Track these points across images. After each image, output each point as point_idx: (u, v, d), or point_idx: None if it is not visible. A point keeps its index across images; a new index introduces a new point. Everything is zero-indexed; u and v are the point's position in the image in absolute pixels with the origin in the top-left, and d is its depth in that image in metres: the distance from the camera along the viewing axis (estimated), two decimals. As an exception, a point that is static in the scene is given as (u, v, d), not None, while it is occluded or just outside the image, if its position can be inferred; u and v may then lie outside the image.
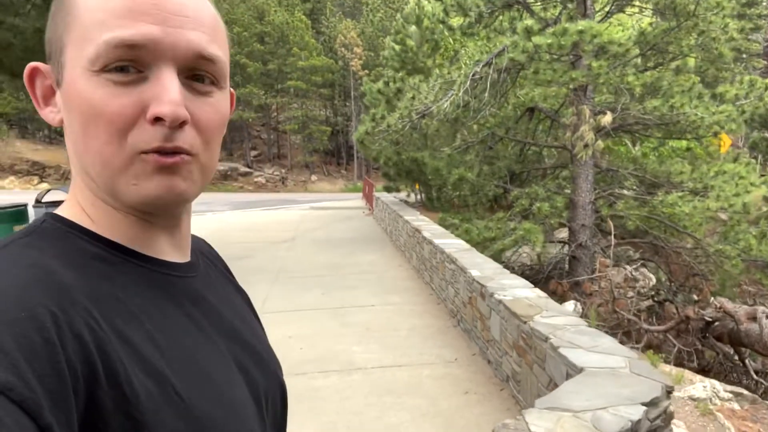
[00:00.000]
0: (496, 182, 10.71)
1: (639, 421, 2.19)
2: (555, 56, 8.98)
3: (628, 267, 11.80)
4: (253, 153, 40.69)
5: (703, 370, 9.36)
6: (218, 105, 0.58)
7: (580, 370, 2.67)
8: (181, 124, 0.53)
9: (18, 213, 7.99)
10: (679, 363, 8.98)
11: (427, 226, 7.98)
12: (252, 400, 0.62)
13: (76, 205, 0.58)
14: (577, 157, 9.79)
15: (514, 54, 9.09)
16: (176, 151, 0.54)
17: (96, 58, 0.51)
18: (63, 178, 35.12)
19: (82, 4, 0.53)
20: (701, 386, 4.85)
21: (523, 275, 13.24)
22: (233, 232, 12.91)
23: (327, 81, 39.00)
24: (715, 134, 10.80)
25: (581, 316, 8.18)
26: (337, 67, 39.34)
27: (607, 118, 9.31)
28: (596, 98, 10.72)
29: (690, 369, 9.17)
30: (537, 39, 8.19)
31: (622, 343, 10.26)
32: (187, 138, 0.54)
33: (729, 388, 5.45)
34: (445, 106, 9.90)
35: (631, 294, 11.90)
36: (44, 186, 34.30)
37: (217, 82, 0.58)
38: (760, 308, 8.42)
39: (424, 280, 7.48)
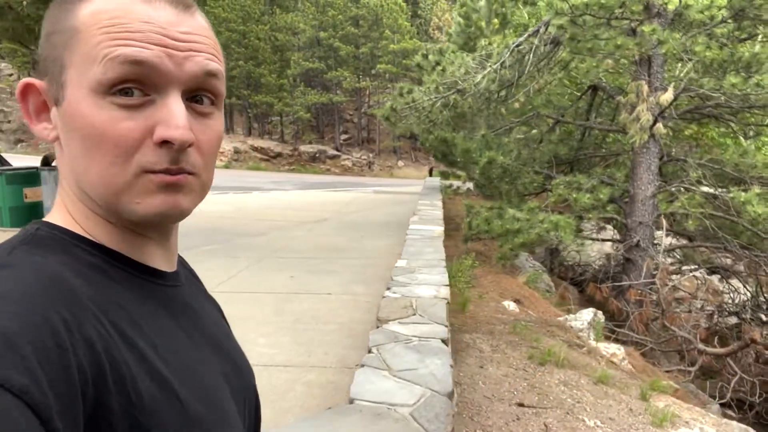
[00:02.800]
0: (538, 169, 9.48)
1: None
2: (602, 18, 7.63)
3: (699, 275, 10.06)
4: (344, 137, 41.01)
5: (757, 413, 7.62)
6: (217, 125, 0.59)
7: (350, 401, 1.87)
8: (187, 146, 0.54)
9: (30, 175, 8.23)
10: (721, 398, 7.38)
11: (430, 212, 7.11)
12: (235, 407, 0.64)
13: (67, 216, 0.58)
14: (630, 142, 8.35)
15: (552, 18, 7.88)
16: (181, 172, 0.55)
17: (102, 78, 0.51)
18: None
19: (88, 27, 0.53)
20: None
21: (561, 276, 11.86)
22: (271, 210, 12.75)
23: (418, 65, 38.17)
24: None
25: (605, 332, 6.74)
26: (430, 51, 38.35)
27: (666, 96, 7.81)
28: (668, 74, 9.10)
29: (738, 407, 7.51)
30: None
31: (660, 364, 8.73)
32: (190, 159, 0.55)
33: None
34: (478, 80, 8.87)
35: (698, 306, 10.13)
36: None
37: (216, 101, 0.59)
38: None
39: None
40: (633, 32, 8.13)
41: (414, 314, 2.87)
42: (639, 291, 8.27)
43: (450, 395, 1.99)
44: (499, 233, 7.99)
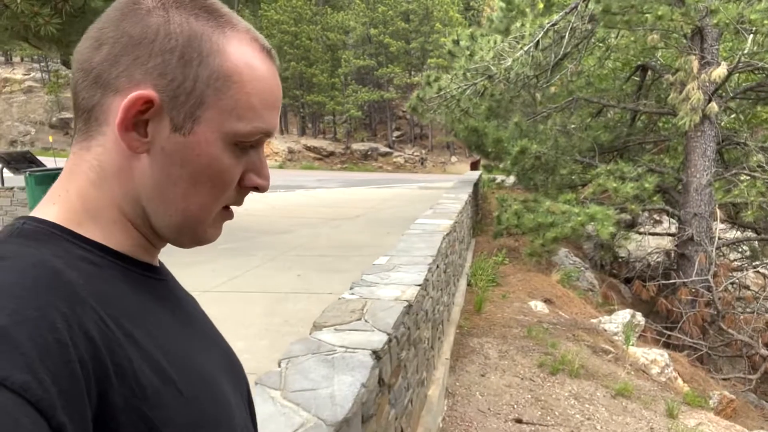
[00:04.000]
0: (579, 158, 8.76)
1: None
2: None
3: (764, 271, 9.00)
4: (396, 133, 40.69)
5: None
6: None
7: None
8: None
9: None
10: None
11: (449, 205, 6.63)
12: (233, 398, 0.64)
13: (59, 212, 0.57)
14: (680, 124, 7.53)
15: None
16: None
17: (242, 137, 0.57)
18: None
19: (241, 80, 0.57)
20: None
21: (613, 273, 10.94)
22: (305, 208, 12.59)
23: (471, 57, 37.27)
24: None
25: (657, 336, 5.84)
26: (483, 43, 37.35)
27: (718, 72, 6.96)
28: (724, 47, 8.17)
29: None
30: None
31: (721, 371, 7.81)
32: None
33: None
34: (509, 63, 8.28)
35: (765, 306, 9.06)
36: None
37: None
38: None
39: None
40: (681, 2, 7.30)
41: (359, 319, 2.47)
42: (692, 290, 7.43)
43: (340, 425, 1.59)
44: (530, 227, 7.39)
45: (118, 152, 0.57)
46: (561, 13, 8.42)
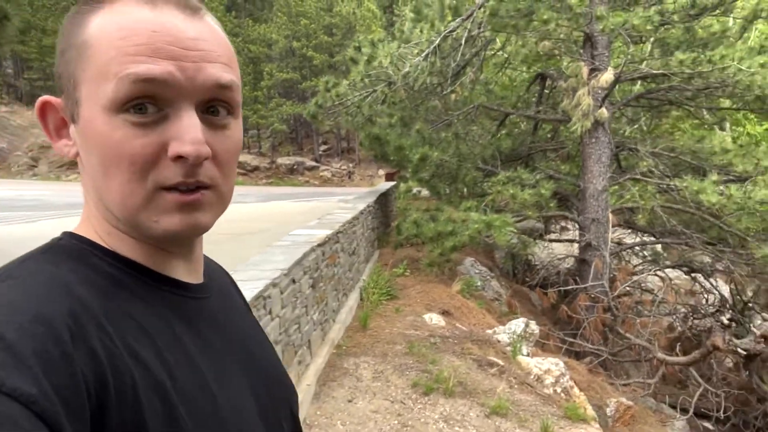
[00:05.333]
0: (481, 165, 8.64)
1: None
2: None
3: (663, 275, 9.20)
4: (323, 147, 40.27)
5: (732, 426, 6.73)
6: (235, 136, 0.59)
7: None
8: (202, 160, 0.54)
9: None
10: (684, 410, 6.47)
11: (339, 215, 6.27)
12: (263, 427, 0.62)
13: (90, 229, 0.59)
14: (572, 130, 7.53)
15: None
16: (198, 186, 0.55)
17: (114, 96, 0.51)
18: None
19: (98, 42, 0.52)
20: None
21: (526, 282, 10.96)
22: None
23: (395, 71, 37.58)
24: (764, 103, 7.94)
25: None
26: (407, 57, 37.75)
27: (606, 77, 7.01)
28: (614, 56, 8.30)
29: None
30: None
31: (627, 376, 7.85)
32: (207, 172, 0.55)
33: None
34: (407, 69, 8.07)
35: (666, 311, 9.25)
36: None
37: (233, 111, 0.58)
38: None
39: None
40: (569, 8, 7.35)
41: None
42: (591, 295, 7.41)
43: None
44: (430, 237, 7.15)
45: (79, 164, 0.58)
46: (458, 20, 8.32)
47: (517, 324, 5.80)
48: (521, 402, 3.96)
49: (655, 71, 7.20)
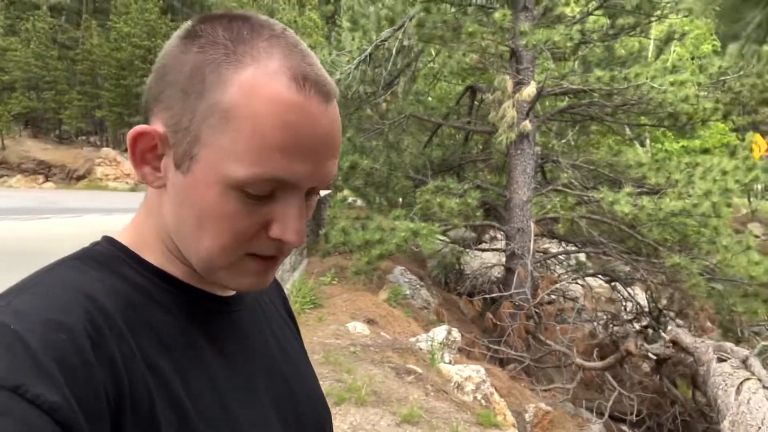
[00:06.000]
0: (412, 174, 8.71)
1: None
2: (459, 6, 6.99)
3: (584, 284, 9.56)
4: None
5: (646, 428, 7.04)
6: (314, 203, 0.58)
7: None
8: None
9: None
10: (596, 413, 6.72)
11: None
12: None
13: (137, 238, 0.59)
14: (496, 141, 7.71)
15: (414, 7, 7.19)
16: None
17: (243, 183, 0.50)
18: (68, 177, 35.00)
19: (243, 119, 0.49)
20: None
21: (457, 290, 11.13)
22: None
23: (336, 81, 37.68)
24: (689, 119, 8.44)
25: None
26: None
27: (528, 91, 7.23)
28: (538, 72, 8.58)
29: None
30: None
31: (547, 378, 8.07)
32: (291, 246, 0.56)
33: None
34: (338, 77, 8.03)
35: (586, 317, 9.62)
36: (49, 185, 34.25)
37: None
38: (726, 344, 6.12)
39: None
40: (495, 23, 7.56)
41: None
42: (515, 303, 7.57)
43: None
44: (358, 245, 7.10)
45: None
46: (389, 30, 8.39)
47: (439, 331, 5.84)
48: (435, 409, 3.96)
49: (574, 87, 7.49)
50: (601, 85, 7.57)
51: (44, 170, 35.33)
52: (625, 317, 9.96)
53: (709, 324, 9.44)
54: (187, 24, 0.55)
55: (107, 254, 0.56)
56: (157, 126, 0.53)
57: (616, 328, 9.69)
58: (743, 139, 10.32)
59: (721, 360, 5.42)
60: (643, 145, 17.59)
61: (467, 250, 9.88)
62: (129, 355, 0.48)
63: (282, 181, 0.51)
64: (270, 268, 0.57)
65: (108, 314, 0.49)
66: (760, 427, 4.62)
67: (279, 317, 0.75)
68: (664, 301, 10.25)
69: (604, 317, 9.86)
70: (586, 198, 7.94)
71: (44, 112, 37.01)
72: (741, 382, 5.04)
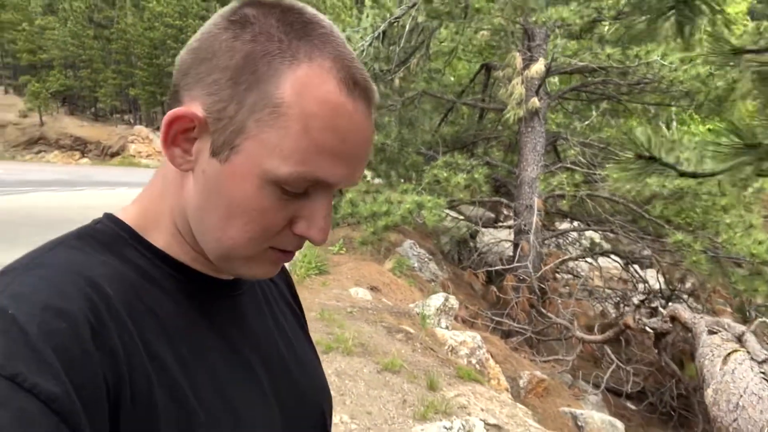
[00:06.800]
0: (423, 150, 8.89)
1: None
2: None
3: (591, 261, 9.65)
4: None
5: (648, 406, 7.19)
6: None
7: None
8: None
9: None
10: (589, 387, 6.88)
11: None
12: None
13: (141, 218, 0.58)
14: (505, 118, 7.83)
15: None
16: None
17: (284, 180, 0.51)
18: (102, 154, 36.10)
19: (293, 117, 0.49)
20: None
21: (463, 264, 11.29)
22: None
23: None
24: (706, 99, 8.37)
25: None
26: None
27: (537, 68, 7.32)
28: (551, 49, 8.61)
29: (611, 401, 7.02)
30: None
31: (550, 351, 8.24)
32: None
33: None
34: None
35: (593, 294, 9.72)
36: (85, 161, 35.42)
37: None
38: (724, 320, 6.19)
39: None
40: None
41: None
42: (520, 277, 7.75)
43: None
44: (365, 216, 7.36)
45: None
46: (404, 7, 8.52)
47: (437, 298, 6.08)
48: (419, 362, 4.22)
49: (583, 64, 7.53)
50: (613, 63, 7.59)
51: (80, 146, 36.53)
52: (635, 298, 10.02)
53: (720, 307, 9.45)
54: (236, 5, 0.53)
55: (110, 234, 0.56)
56: (196, 109, 0.52)
57: (627, 309, 9.78)
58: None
59: (712, 332, 5.52)
60: (669, 127, 17.33)
61: (480, 228, 10.03)
62: (130, 344, 0.48)
63: (322, 181, 0.52)
64: (284, 260, 0.58)
65: (110, 301, 0.48)
66: (741, 395, 4.74)
67: (283, 302, 0.75)
68: (677, 284, 10.26)
69: (615, 297, 9.94)
70: (594, 176, 8.01)
71: (80, 90, 38.12)
72: (729, 354, 5.15)
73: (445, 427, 2.98)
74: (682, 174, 1.96)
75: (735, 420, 4.75)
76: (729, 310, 9.32)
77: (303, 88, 0.49)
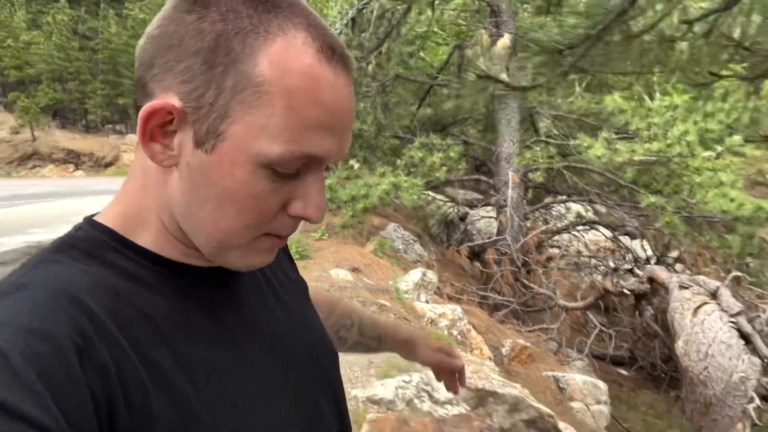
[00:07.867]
0: (401, 134, 9.01)
1: None
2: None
3: (575, 232, 9.78)
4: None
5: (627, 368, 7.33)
6: None
7: None
8: None
9: None
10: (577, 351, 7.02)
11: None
12: (297, 412, 0.62)
13: (120, 218, 0.56)
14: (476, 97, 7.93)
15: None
16: None
17: (276, 161, 0.49)
18: (96, 165, 36.23)
19: (277, 95, 0.48)
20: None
21: (449, 245, 11.43)
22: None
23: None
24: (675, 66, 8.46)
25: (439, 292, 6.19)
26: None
27: (502, 42, 7.41)
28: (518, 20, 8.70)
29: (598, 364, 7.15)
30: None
31: (537, 322, 8.37)
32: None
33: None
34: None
35: (578, 263, 9.84)
36: (79, 173, 35.56)
37: None
38: (699, 277, 6.33)
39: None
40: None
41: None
42: (497, 250, 7.88)
43: None
44: (345, 200, 7.49)
45: None
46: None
47: (414, 273, 6.21)
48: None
49: (550, 35, 7.63)
50: (578, 32, 7.67)
51: (74, 159, 36.64)
52: (621, 266, 10.14)
53: (706, 269, 9.58)
54: None
55: (91, 240, 0.54)
56: (172, 100, 0.49)
57: (616, 279, 9.90)
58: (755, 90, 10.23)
59: (683, 287, 5.66)
60: (652, 98, 17.41)
61: (468, 209, 10.17)
62: (120, 356, 0.46)
63: (313, 157, 0.51)
64: (279, 246, 0.57)
65: (94, 316, 0.47)
66: (710, 344, 4.88)
67: (284, 276, 0.74)
68: (663, 250, 10.39)
69: (604, 268, 10.08)
70: (568, 147, 8.13)
71: (70, 103, 38.18)
72: (698, 306, 5.28)
73: (404, 381, 3.12)
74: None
75: (705, 368, 4.90)
76: (722, 274, 9.47)
77: (282, 63, 0.48)
